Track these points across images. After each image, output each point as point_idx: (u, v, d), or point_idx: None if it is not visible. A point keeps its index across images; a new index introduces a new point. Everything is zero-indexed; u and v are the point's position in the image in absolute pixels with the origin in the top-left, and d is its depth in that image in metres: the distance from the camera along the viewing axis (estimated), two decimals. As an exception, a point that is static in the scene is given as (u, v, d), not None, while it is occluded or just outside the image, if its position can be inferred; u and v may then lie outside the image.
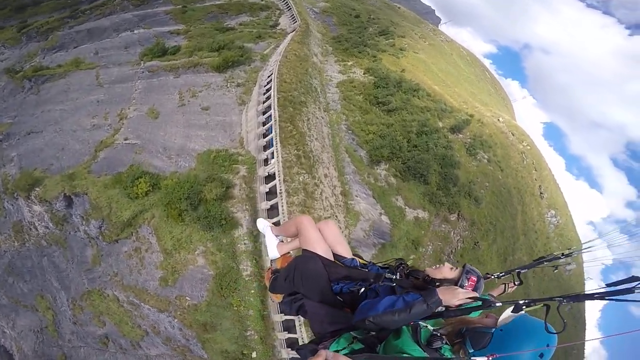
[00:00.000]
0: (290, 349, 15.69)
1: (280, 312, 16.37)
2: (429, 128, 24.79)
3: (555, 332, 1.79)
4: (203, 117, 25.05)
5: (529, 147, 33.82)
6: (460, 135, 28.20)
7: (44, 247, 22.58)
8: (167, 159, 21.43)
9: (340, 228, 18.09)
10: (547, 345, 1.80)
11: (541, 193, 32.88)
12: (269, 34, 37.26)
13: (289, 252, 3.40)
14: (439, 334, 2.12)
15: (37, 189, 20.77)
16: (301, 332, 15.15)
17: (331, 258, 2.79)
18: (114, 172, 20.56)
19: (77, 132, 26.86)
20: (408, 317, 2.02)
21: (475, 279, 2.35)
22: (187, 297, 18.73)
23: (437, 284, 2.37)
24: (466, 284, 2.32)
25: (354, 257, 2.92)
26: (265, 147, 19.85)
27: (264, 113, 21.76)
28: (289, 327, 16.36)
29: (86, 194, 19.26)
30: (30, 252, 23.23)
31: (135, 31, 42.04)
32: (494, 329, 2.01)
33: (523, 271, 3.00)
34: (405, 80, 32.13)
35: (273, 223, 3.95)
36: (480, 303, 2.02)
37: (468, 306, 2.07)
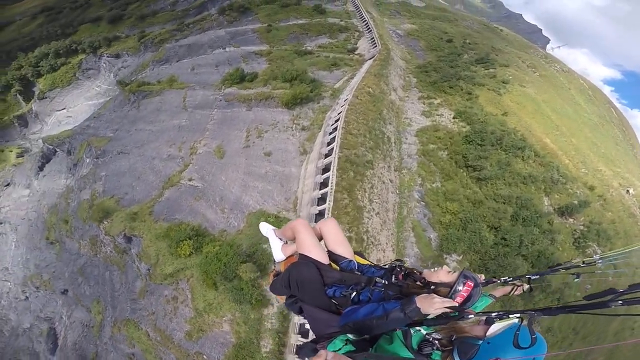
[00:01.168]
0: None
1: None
2: (530, 212, 17.99)
3: (524, 347, 1.71)
4: (264, 164, 23.28)
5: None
6: (571, 221, 20.41)
7: (109, 264, 24.01)
8: (221, 213, 20.26)
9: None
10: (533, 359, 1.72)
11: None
12: (344, 61, 33.99)
13: (293, 254, 3.11)
14: (431, 339, 2.07)
15: (105, 222, 22.00)
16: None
17: (326, 261, 2.71)
18: (170, 218, 20.48)
19: (155, 160, 28.16)
20: (385, 324, 2.03)
21: (471, 284, 2.02)
22: (204, 356, 18.21)
23: (433, 287, 2.19)
24: (461, 289, 2.01)
25: (353, 257, 2.83)
26: (317, 218, 16.64)
27: (323, 171, 18.53)
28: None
29: (142, 238, 19.45)
30: (99, 263, 24.97)
31: (227, 49, 43.61)
32: (481, 341, 1.92)
33: (534, 277, 2.63)
34: (507, 130, 25.04)
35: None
36: (457, 313, 1.95)
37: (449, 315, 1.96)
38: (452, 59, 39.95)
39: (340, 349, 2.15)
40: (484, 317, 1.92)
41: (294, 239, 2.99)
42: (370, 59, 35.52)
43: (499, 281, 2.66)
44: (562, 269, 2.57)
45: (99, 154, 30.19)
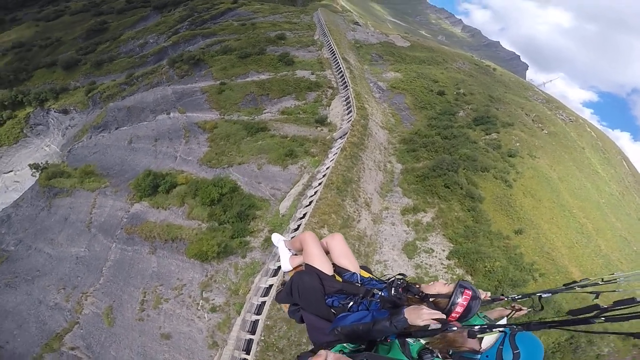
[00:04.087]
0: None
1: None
2: None
3: None
4: (162, 349, 14.56)
5: None
6: None
7: None
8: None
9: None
10: None
11: None
12: (305, 146, 24.58)
13: (300, 265, 3.11)
14: (431, 348, 2.02)
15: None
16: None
17: (330, 272, 2.70)
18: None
19: (41, 305, 19.75)
20: (371, 331, 1.98)
21: (469, 293, 2.03)
22: None
23: (432, 299, 2.19)
24: (459, 300, 2.02)
25: (358, 270, 2.77)
26: None
27: None
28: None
29: None
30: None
31: (171, 114, 34.43)
32: (479, 355, 1.93)
33: (545, 295, 2.52)
34: (526, 276, 15.98)
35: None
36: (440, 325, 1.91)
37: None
38: (446, 124, 30.91)
39: None
40: (466, 330, 1.84)
41: (301, 251, 2.95)
42: (341, 137, 26.37)
43: (506, 299, 2.53)
44: (578, 286, 2.38)
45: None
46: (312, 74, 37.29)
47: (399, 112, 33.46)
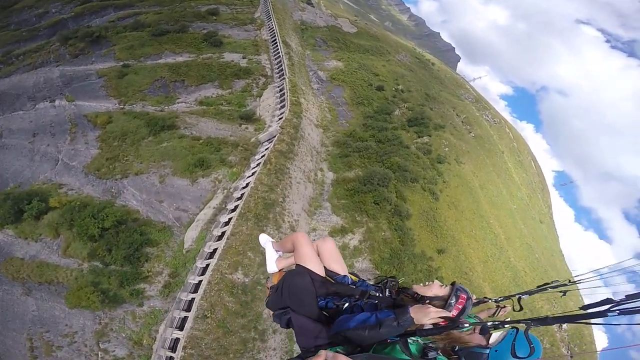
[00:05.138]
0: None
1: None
2: None
3: (522, 356, 1.70)
4: None
5: None
6: None
7: None
8: None
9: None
10: None
11: None
12: (222, 152, 20.66)
13: (284, 268, 3.08)
14: (432, 346, 1.99)
15: None
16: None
17: (322, 274, 2.60)
18: None
19: None
20: (377, 334, 1.92)
21: (465, 296, 2.04)
22: None
23: (427, 301, 2.11)
24: (454, 302, 2.01)
25: (347, 274, 2.71)
26: None
27: None
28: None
29: None
30: None
31: (56, 102, 26.35)
32: (488, 350, 1.92)
33: (524, 297, 2.68)
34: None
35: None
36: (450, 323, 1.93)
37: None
38: (382, 126, 29.51)
39: None
40: (478, 327, 1.91)
41: (291, 252, 2.87)
42: (268, 140, 23.02)
43: (490, 300, 2.66)
44: (550, 287, 2.60)
45: None
46: (244, 57, 32.15)
47: (336, 107, 31.02)
